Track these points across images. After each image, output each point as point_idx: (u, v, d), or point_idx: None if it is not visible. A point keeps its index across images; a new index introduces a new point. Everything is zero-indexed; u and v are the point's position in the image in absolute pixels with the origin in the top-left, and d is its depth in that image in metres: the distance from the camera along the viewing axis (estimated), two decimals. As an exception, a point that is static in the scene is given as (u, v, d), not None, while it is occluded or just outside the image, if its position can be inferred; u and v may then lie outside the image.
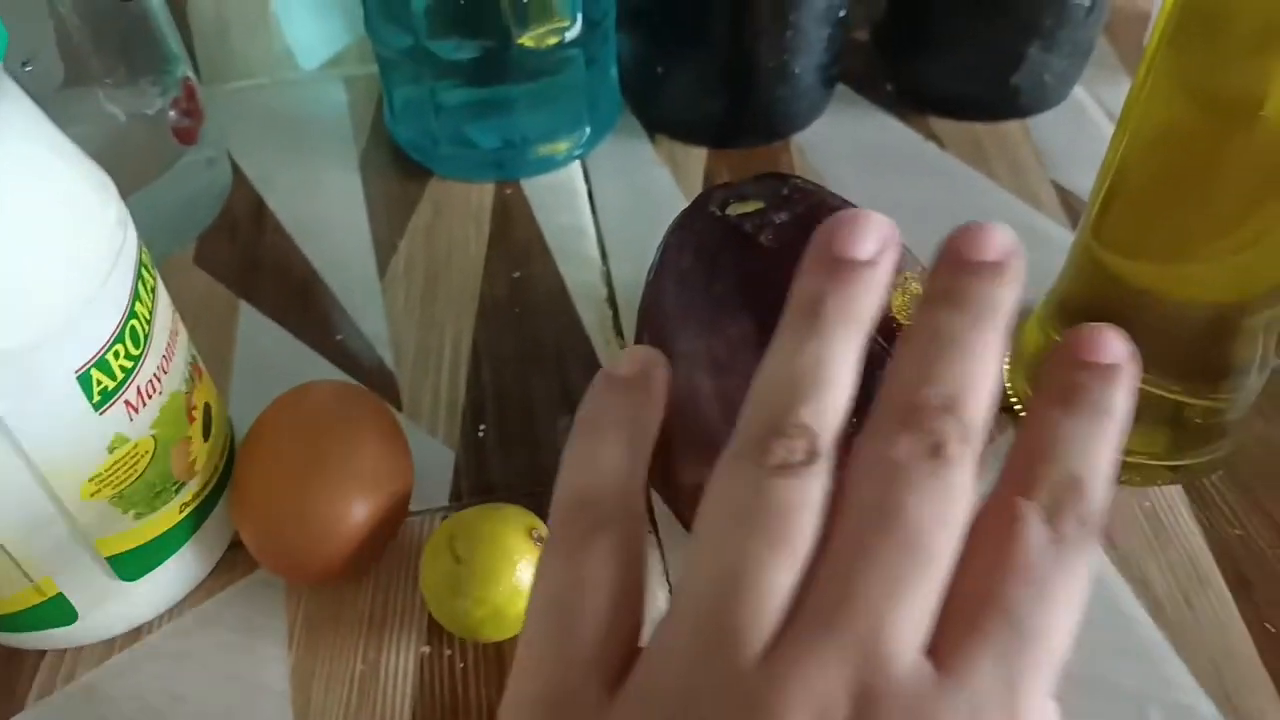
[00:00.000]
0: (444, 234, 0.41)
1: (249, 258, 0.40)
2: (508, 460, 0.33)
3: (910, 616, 0.15)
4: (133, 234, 0.25)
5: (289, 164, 0.44)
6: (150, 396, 0.25)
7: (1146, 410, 0.31)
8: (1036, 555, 0.16)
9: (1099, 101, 0.46)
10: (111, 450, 0.24)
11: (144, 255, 0.25)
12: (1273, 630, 0.28)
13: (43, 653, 0.29)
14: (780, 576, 0.15)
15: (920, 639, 0.15)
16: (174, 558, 0.28)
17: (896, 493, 0.16)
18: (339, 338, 0.37)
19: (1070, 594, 0.16)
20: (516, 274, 0.39)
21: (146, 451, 0.25)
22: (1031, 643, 0.16)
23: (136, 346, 0.24)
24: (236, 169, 0.44)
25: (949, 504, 0.16)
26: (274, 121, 0.47)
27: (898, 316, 0.25)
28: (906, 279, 0.26)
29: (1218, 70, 0.25)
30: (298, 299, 0.38)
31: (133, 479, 0.25)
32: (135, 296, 0.24)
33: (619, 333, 0.37)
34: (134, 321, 0.24)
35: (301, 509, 0.27)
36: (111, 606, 0.28)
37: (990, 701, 0.15)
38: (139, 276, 0.24)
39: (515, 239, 0.41)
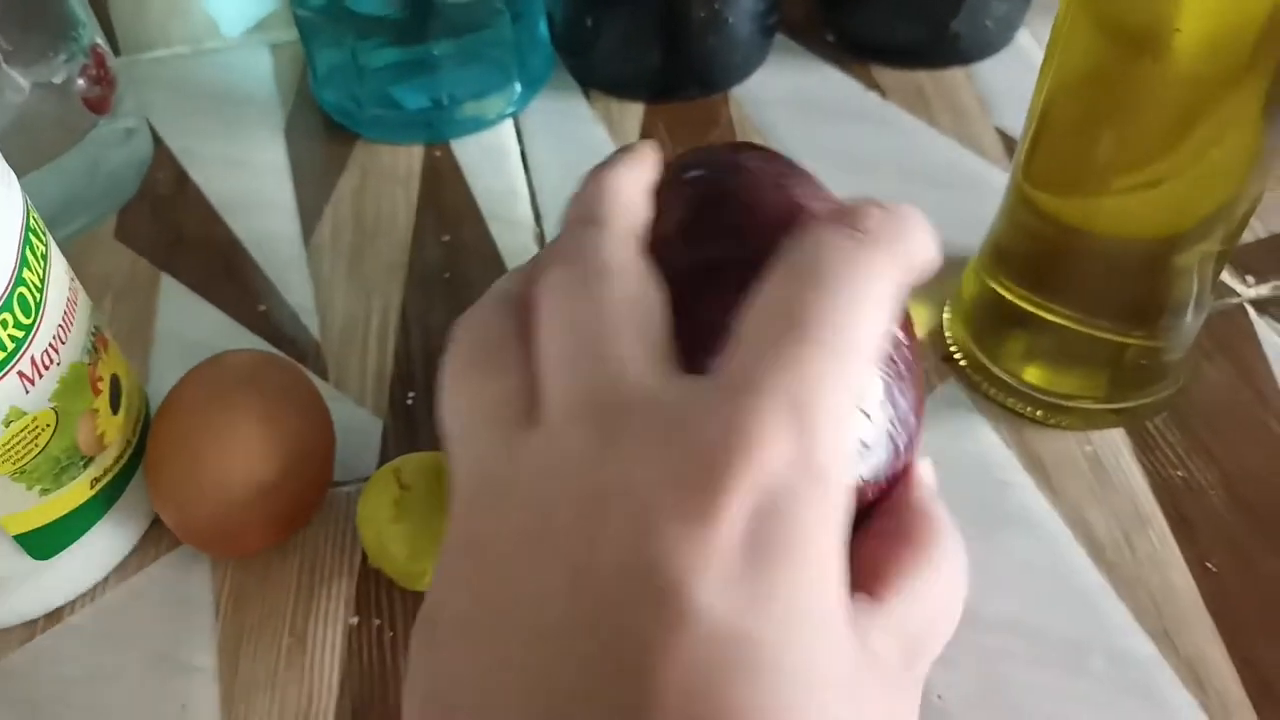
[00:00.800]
0: (371, 199, 0.40)
1: (171, 231, 0.39)
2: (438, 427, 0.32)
3: (627, 339, 0.16)
4: (18, 197, 0.24)
5: (212, 134, 0.43)
6: (47, 367, 0.24)
7: (1086, 352, 0.31)
8: (832, 250, 0.16)
9: (1043, 46, 0.46)
10: (7, 424, 0.23)
11: (33, 220, 0.24)
12: (1214, 569, 0.28)
13: (-39, 638, 0.28)
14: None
15: (641, 353, 0.16)
16: (90, 534, 0.27)
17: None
18: (263, 309, 0.36)
19: (868, 294, 0.15)
20: (446, 238, 0.38)
21: (47, 425, 0.25)
22: (822, 341, 0.15)
23: (27, 315, 0.23)
24: (158, 141, 0.43)
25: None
26: (197, 91, 0.45)
27: None
28: None
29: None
30: (221, 271, 0.37)
31: (34, 454, 0.24)
32: (23, 262, 0.23)
33: (553, 293, 0.36)
34: (22, 289, 0.23)
35: (214, 480, 0.26)
36: (27, 586, 0.27)
37: (772, 402, 0.14)
38: (26, 242, 0.23)
39: (445, 202, 0.40)
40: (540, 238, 0.38)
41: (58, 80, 0.35)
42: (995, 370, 0.32)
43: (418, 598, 0.28)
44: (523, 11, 0.41)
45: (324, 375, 0.34)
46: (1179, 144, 0.25)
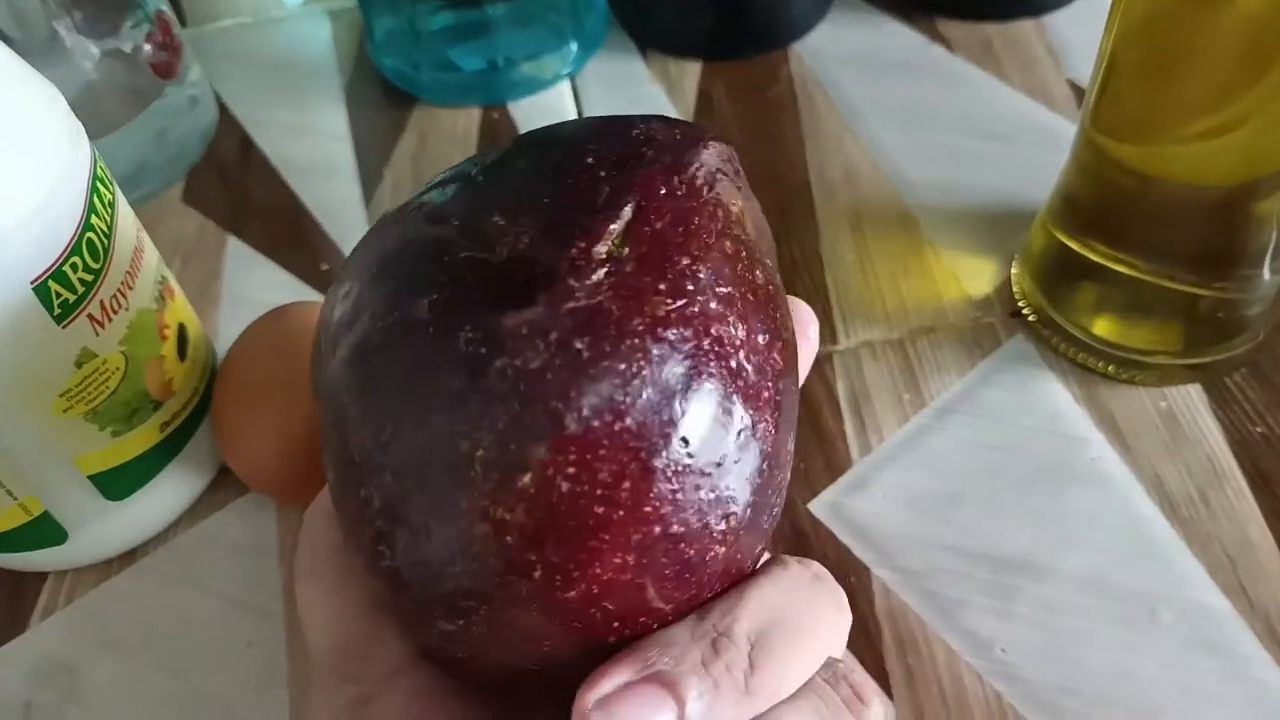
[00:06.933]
0: (430, 162, 0.40)
1: (237, 195, 0.40)
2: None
3: None
4: (85, 148, 0.24)
5: (275, 100, 0.44)
6: (116, 312, 0.25)
7: (1158, 304, 0.30)
8: None
9: (1118, -6, 0.44)
10: (79, 365, 0.24)
11: (100, 169, 0.25)
12: (1294, 527, 0.27)
13: (44, 576, 0.29)
14: None
15: None
16: (161, 477, 0.28)
17: None
18: (325, 267, 0.37)
19: None
20: (503, 197, 0.38)
21: (117, 368, 0.25)
22: None
23: (95, 260, 0.24)
24: (224, 109, 0.44)
25: None
26: (260, 59, 0.46)
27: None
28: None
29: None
30: (286, 233, 0.38)
31: (105, 395, 0.25)
32: (91, 209, 0.24)
33: (608, 250, 0.36)
34: (90, 234, 0.24)
35: (278, 429, 0.27)
36: (101, 526, 0.28)
37: None
38: (94, 190, 0.24)
39: (502, 162, 0.40)
40: (596, 196, 0.38)
41: (126, 48, 0.36)
42: (1065, 325, 0.31)
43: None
44: (578, -30, 0.40)
45: (383, 331, 0.34)
46: (1253, 86, 0.24)
